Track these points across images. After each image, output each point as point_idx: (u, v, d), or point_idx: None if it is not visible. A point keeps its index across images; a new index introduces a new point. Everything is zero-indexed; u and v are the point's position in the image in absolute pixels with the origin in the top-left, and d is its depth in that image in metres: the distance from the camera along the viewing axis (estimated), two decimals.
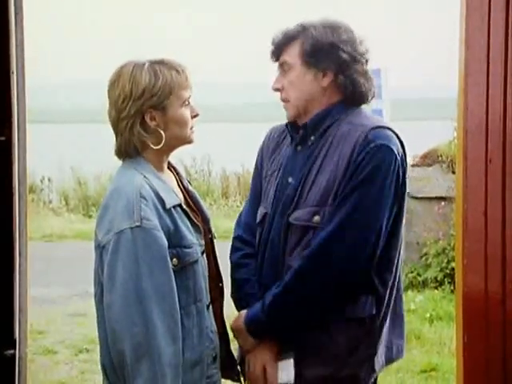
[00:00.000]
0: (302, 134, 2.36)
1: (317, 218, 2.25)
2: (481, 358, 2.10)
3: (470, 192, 2.07)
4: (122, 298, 1.97)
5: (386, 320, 2.35)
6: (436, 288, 6.94)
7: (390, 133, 2.27)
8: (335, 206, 2.22)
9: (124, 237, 1.99)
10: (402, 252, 2.41)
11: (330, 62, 2.29)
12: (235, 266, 2.49)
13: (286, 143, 2.47)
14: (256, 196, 2.53)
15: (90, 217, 12.03)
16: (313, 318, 2.29)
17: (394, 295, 2.37)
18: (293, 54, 2.32)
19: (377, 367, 2.35)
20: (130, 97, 2.08)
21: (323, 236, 2.21)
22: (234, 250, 2.53)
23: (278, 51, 2.35)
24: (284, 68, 2.34)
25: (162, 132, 2.11)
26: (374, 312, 2.30)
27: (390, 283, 2.33)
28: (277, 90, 2.37)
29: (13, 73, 2.39)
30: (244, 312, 2.36)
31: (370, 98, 2.37)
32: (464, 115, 2.08)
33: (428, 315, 6.12)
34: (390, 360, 2.42)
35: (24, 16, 2.44)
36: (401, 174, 2.25)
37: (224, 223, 10.45)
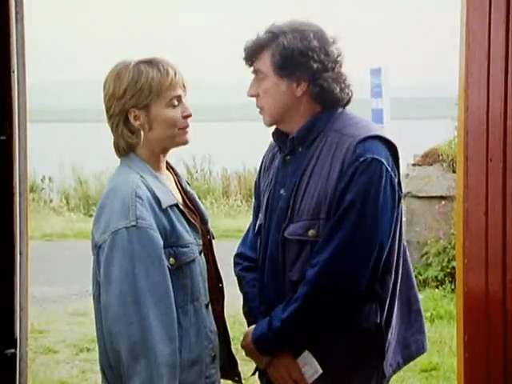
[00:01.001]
0: (289, 147, 2.35)
1: (312, 231, 2.24)
2: (481, 357, 2.10)
3: (470, 191, 2.07)
4: (118, 298, 1.97)
5: (390, 322, 2.33)
6: (437, 287, 6.92)
7: (378, 143, 2.24)
8: (332, 225, 2.20)
9: (120, 236, 1.99)
10: (405, 251, 2.39)
11: (302, 72, 2.27)
12: (237, 281, 2.50)
13: (278, 155, 2.45)
14: (257, 213, 2.53)
15: (91, 216, 12.00)
16: (321, 333, 2.29)
17: (396, 294, 2.34)
18: (265, 64, 2.30)
19: (387, 372, 2.33)
20: (114, 96, 2.10)
21: (323, 259, 2.19)
22: (234, 266, 2.54)
23: (251, 58, 2.33)
24: (258, 75, 2.32)
25: (141, 132, 2.11)
26: (378, 320, 2.28)
27: (391, 285, 2.31)
28: (252, 96, 2.35)
29: (13, 72, 2.38)
30: (251, 331, 2.35)
31: (346, 101, 2.34)
32: (465, 115, 2.08)
33: (429, 314, 6.09)
34: (410, 358, 2.42)
35: (24, 15, 2.43)
36: (395, 183, 2.23)
37: (224, 222, 10.45)
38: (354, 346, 2.28)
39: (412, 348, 2.41)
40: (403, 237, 2.37)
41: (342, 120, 2.31)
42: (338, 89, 2.29)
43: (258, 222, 2.47)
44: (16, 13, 2.40)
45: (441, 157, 7.61)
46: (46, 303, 6.86)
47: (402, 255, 2.36)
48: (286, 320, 2.24)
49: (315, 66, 2.26)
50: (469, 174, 2.07)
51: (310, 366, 2.29)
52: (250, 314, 2.43)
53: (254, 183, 2.62)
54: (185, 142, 2.18)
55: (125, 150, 2.14)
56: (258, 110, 2.36)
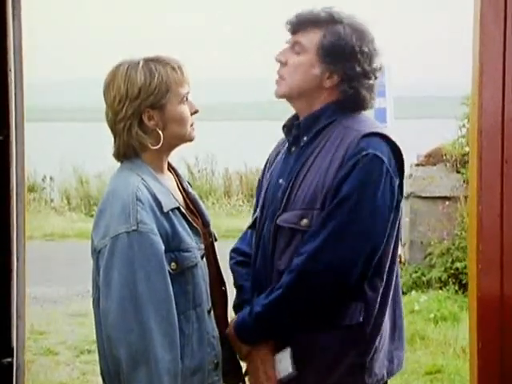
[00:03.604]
0: (294, 134, 2.31)
1: (305, 221, 2.20)
2: (496, 364, 2.06)
3: (484, 194, 2.02)
4: (118, 304, 1.93)
5: (378, 329, 2.27)
6: (440, 288, 6.90)
7: (382, 142, 2.20)
8: (326, 215, 2.16)
9: (120, 241, 1.95)
10: (398, 258, 2.33)
11: (343, 68, 2.23)
12: (232, 275, 2.47)
13: (284, 149, 2.42)
14: (256, 210, 2.49)
15: (92, 216, 11.96)
16: (301, 326, 2.24)
17: (388, 303, 2.29)
18: (311, 40, 2.24)
19: (369, 380, 2.26)
20: (126, 98, 2.04)
21: (311, 248, 2.15)
22: (229, 260, 2.51)
23: (298, 28, 2.27)
24: (295, 47, 2.27)
25: (160, 132, 2.07)
26: (361, 319, 2.22)
27: (381, 289, 2.26)
28: (279, 61, 2.30)
29: (10, 70, 2.34)
30: (234, 319, 2.32)
31: (366, 108, 2.32)
32: (479, 114, 2.02)
33: (432, 316, 6.10)
34: (391, 373, 2.36)
35: (22, 13, 2.40)
36: (394, 185, 2.19)
37: (226, 222, 10.43)
38: (333, 344, 2.22)
39: (394, 363, 2.36)
40: (399, 243, 2.32)
41: (351, 117, 2.28)
42: (368, 97, 2.28)
43: (255, 215, 2.43)
44: (13, 8, 2.35)
45: (444, 157, 7.59)
46: (47, 304, 6.86)
47: (396, 262, 2.30)
48: (268, 305, 2.20)
49: (358, 69, 2.23)
50: (483, 176, 2.01)
51: (284, 363, 2.25)
52: (241, 307, 2.36)
53: (257, 181, 2.57)
54: (193, 139, 2.16)
55: (136, 152, 2.09)
56: (277, 77, 2.30)
